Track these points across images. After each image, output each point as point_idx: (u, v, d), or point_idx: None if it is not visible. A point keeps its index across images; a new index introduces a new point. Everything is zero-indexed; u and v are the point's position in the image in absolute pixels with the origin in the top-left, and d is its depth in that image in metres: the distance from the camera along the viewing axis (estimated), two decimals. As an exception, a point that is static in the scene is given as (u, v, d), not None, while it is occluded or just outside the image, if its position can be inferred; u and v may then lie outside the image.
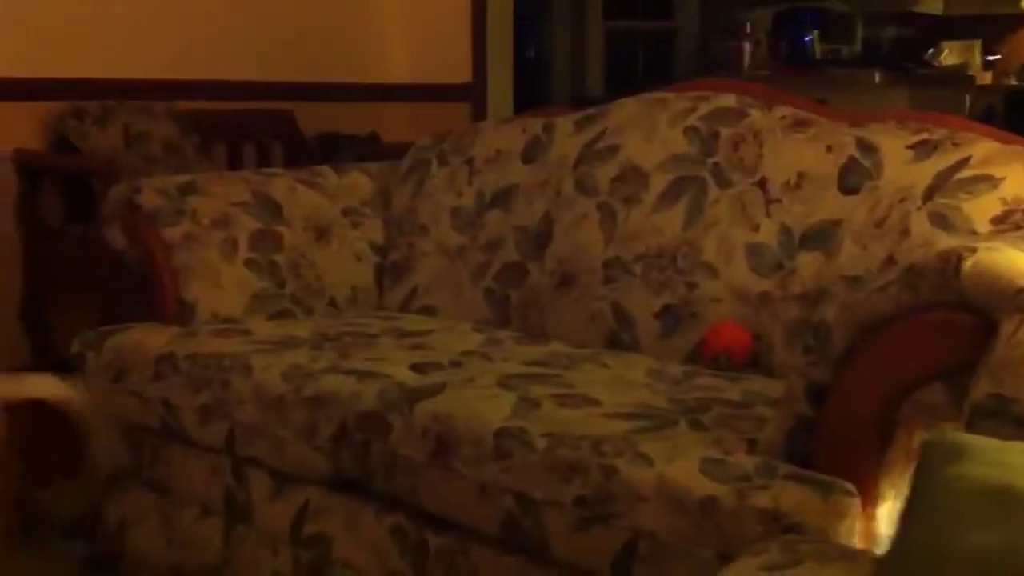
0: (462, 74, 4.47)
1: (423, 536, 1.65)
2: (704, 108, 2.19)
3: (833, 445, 1.39)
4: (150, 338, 2.11)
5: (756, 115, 2.12)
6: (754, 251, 1.98)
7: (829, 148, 1.99)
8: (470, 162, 2.49)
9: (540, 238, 2.27)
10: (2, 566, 2.26)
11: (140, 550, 2.08)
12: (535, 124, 2.46)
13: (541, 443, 1.52)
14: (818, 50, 5.71)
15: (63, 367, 2.26)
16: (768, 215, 1.99)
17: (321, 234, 2.47)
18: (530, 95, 4.79)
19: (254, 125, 3.95)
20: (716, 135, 2.13)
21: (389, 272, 2.51)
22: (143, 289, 2.32)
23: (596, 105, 2.45)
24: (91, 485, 2.19)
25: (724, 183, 2.07)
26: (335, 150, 3.74)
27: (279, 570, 1.84)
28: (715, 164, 2.10)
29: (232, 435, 1.89)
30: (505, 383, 1.74)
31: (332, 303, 2.41)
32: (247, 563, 1.89)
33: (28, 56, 3.52)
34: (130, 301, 2.40)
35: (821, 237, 1.91)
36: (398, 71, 4.53)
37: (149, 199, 2.31)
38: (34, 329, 3.51)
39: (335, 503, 1.77)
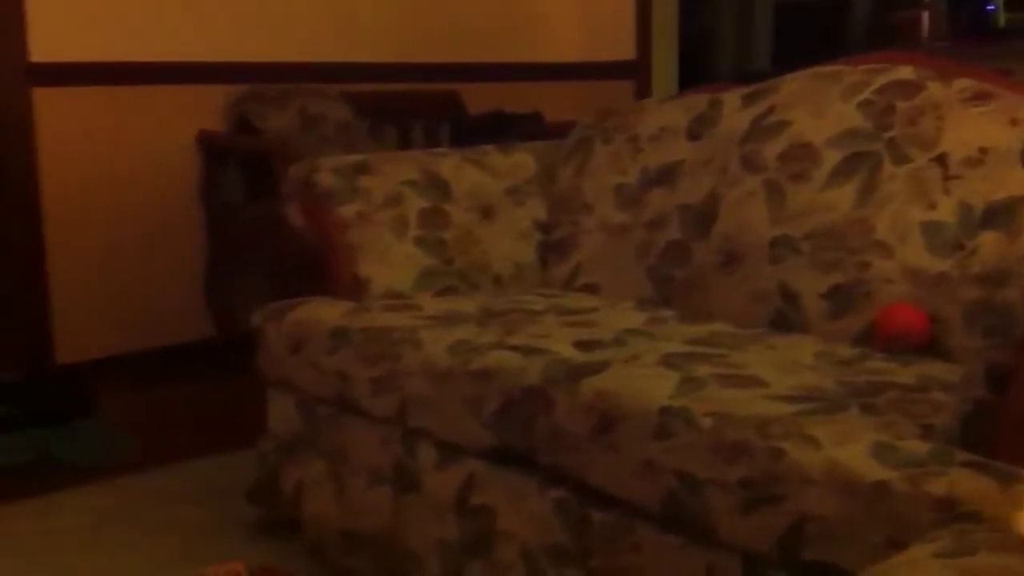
0: (626, 51, 4.44)
1: (586, 511, 1.66)
2: (879, 81, 2.11)
3: (1013, 432, 1.33)
4: (326, 312, 2.19)
5: (934, 88, 2.04)
6: (931, 229, 1.90)
7: (1013, 122, 1.89)
8: (634, 140, 2.48)
9: (705, 216, 2.24)
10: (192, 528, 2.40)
11: (314, 515, 2.17)
12: (701, 100, 2.43)
13: (705, 423, 1.51)
14: (1003, 18, 5.41)
15: (244, 339, 2.37)
16: (947, 192, 1.91)
17: (486, 212, 2.51)
18: (695, 72, 4.72)
19: (422, 106, 4.04)
20: (892, 109, 2.05)
21: (552, 250, 2.53)
22: (319, 265, 2.41)
23: (763, 81, 2.40)
24: (268, 452, 2.29)
25: (900, 159, 1.99)
26: (500, 129, 3.79)
27: (444, 538, 1.89)
28: (890, 139, 2.02)
29: (402, 406, 1.95)
30: (668, 362, 1.74)
31: (496, 280, 2.45)
32: (414, 530, 1.95)
33: (210, 41, 3.69)
34: (307, 276, 2.50)
35: (1004, 215, 1.82)
36: (562, 50, 4.54)
37: (325, 178, 2.40)
38: (217, 303, 3.69)
39: (499, 475, 1.81)
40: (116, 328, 3.51)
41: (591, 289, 2.40)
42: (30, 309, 3.41)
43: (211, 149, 3.63)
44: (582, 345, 1.86)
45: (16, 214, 3.39)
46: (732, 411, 1.52)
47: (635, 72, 4.40)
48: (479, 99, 4.17)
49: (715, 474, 1.47)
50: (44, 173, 3.41)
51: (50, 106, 3.41)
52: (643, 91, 4.33)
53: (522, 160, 2.65)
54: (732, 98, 2.37)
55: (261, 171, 3.35)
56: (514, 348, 1.86)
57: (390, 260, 2.35)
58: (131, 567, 2.21)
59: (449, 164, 2.54)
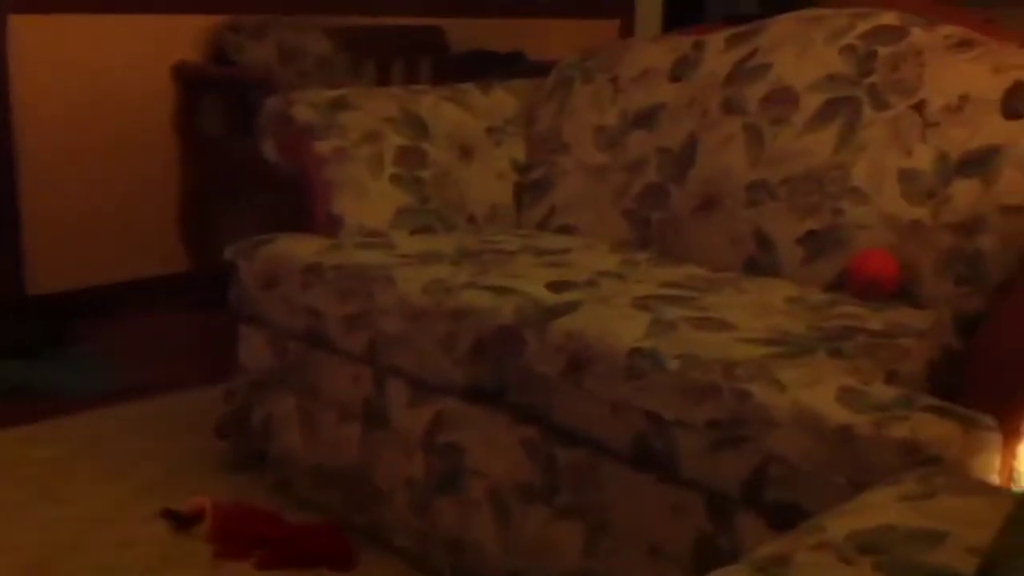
0: (612, -11, 4.39)
1: (554, 449, 1.67)
2: (863, 26, 2.09)
3: (979, 379, 1.34)
4: (300, 248, 2.18)
5: (918, 34, 2.02)
6: (907, 177, 1.90)
7: (996, 70, 1.88)
8: (615, 80, 2.46)
9: (683, 159, 2.23)
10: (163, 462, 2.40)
11: (284, 450, 2.18)
12: (685, 42, 2.41)
13: (674, 364, 1.51)
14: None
15: (220, 273, 2.35)
16: (924, 140, 1.91)
17: (465, 151, 2.48)
18: (683, 13, 4.66)
19: (403, 41, 3.98)
20: (874, 54, 2.04)
21: (529, 190, 2.51)
22: (295, 200, 2.39)
23: (750, 23, 2.38)
24: (239, 387, 2.29)
25: (880, 105, 1.98)
26: (482, 67, 3.74)
27: (413, 475, 1.90)
28: (871, 85, 2.01)
29: (374, 344, 1.95)
30: (640, 304, 1.74)
31: (472, 219, 2.44)
32: (383, 467, 1.96)
33: (189, -29, 3.62)
34: (283, 211, 2.47)
35: (980, 163, 1.81)
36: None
37: (302, 113, 2.37)
38: (191, 236, 3.66)
39: (469, 413, 1.81)
40: (90, 260, 3.47)
41: (567, 230, 2.39)
42: (3, 238, 3.38)
43: (188, 80, 3.57)
44: (555, 286, 1.85)
45: (-12, 142, 3.34)
46: (700, 353, 1.52)
47: (620, 11, 4.34)
48: (462, 35, 4.12)
49: (682, 415, 1.48)
50: (18, 102, 3.35)
51: (26, 33, 3.34)
52: (627, 31, 4.28)
53: (502, 99, 2.62)
54: (716, 40, 2.34)
55: (238, 104, 3.30)
56: (488, 288, 1.85)
57: (366, 197, 2.33)
58: (102, 498, 2.22)
59: (428, 102, 2.51)
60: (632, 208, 2.29)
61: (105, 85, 3.49)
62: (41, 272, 3.40)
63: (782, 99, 2.11)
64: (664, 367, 1.52)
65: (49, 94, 3.40)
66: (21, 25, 3.33)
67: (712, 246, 2.11)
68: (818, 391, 1.39)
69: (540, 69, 2.85)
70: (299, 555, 1.94)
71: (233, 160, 3.35)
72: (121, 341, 3.23)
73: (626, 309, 1.71)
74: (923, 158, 1.89)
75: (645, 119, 2.35)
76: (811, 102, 2.07)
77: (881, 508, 1.10)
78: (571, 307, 1.71)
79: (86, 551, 2.01)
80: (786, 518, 1.35)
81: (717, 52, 2.31)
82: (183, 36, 3.58)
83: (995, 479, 1.28)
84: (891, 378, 1.44)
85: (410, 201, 2.36)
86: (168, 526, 2.06)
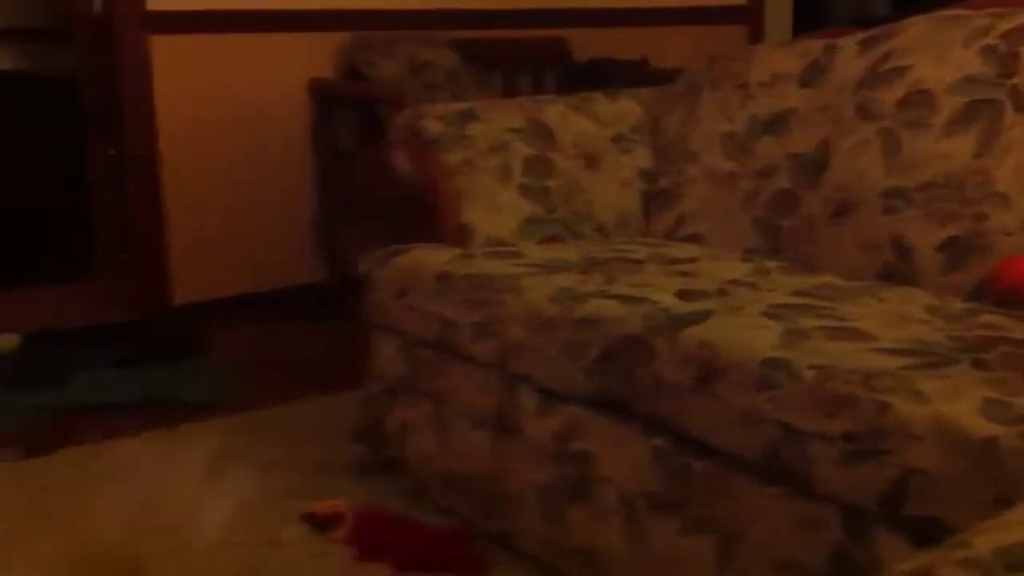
0: (738, -4, 4.35)
1: (685, 460, 1.66)
2: (1004, 25, 2.02)
3: None
4: (431, 258, 2.22)
5: (1064, 32, 1.94)
6: (1054, 181, 1.83)
7: None
8: (744, 86, 2.43)
9: (816, 165, 2.19)
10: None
11: (417, 455, 2.22)
12: (815, 46, 2.37)
13: (808, 375, 1.49)
14: None
15: (353, 283, 2.42)
16: (1073, 141, 1.83)
17: (591, 160, 2.49)
18: (812, 17, 4.58)
19: (528, 52, 4.02)
20: (1016, 55, 1.96)
21: (656, 198, 2.50)
22: (425, 211, 2.44)
23: (882, 25, 2.32)
24: (372, 394, 2.34)
25: (1023, 107, 1.91)
26: (606, 76, 3.75)
27: (543, 482, 1.91)
28: (1013, 87, 1.94)
29: (503, 352, 1.97)
30: (772, 313, 1.71)
31: (600, 228, 2.44)
32: (513, 473, 1.97)
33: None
34: (414, 223, 2.53)
35: None
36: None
37: (431, 126, 2.41)
38: (327, 247, 3.76)
39: (599, 422, 1.81)
40: (229, 270, 3.60)
41: (695, 239, 2.37)
42: (148, 250, 3.54)
43: (322, 96, 3.68)
44: (684, 295, 1.84)
45: (135, 159, 3.50)
46: (836, 363, 1.49)
47: (747, 17, 4.29)
48: (586, 45, 4.13)
49: (818, 426, 1.45)
50: (161, 119, 3.51)
51: (167, 53, 3.50)
52: (755, 37, 4.23)
53: (628, 107, 2.62)
54: (848, 43, 2.30)
55: (370, 118, 3.38)
56: (616, 297, 1.86)
57: (494, 207, 2.36)
58: (245, 502, 2.29)
59: (554, 111, 2.53)
60: (762, 216, 2.26)
61: (242, 102, 3.62)
62: (183, 282, 3.55)
63: (919, 102, 2.05)
64: (799, 377, 1.49)
65: (190, 110, 3.55)
66: (162, 45, 3.49)
67: (846, 254, 2.07)
68: (960, 403, 1.35)
69: (665, 77, 2.84)
70: (433, 560, 1.98)
71: (366, 173, 3.43)
72: (258, 350, 3.35)
73: (758, 318, 1.69)
74: (1071, 161, 1.82)
75: (775, 125, 2.32)
76: (950, 105, 2.00)
77: (1030, 525, 1.06)
78: (702, 316, 1.70)
79: (228, 550, 2.08)
80: (927, 533, 1.31)
81: (849, 56, 2.26)
82: (317, 53, 3.69)
83: None
84: (1039, 390, 1.39)
85: (537, 211, 2.38)
86: (307, 528, 2.12)
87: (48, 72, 5.26)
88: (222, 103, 3.60)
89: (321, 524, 2.11)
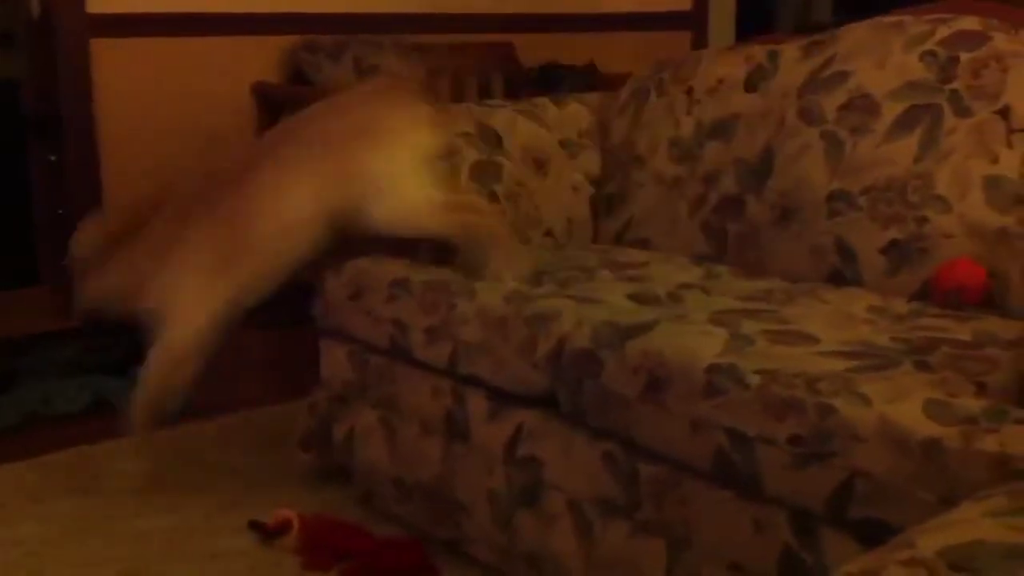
0: (682, 1, 4.37)
1: (635, 465, 1.66)
2: (943, 32, 2.06)
3: (1073, 392, 1.30)
4: (384, 264, 2.20)
5: (1000, 39, 1.98)
6: (993, 184, 1.86)
7: (1083, 73, 1.84)
8: (690, 92, 2.45)
9: (760, 170, 2.21)
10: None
11: (366, 463, 2.20)
12: (759, 52, 2.39)
13: (754, 380, 1.50)
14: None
15: (304, 288, 2.39)
16: (1010, 146, 1.87)
17: (539, 165, 2.50)
18: (754, 23, 4.62)
19: (475, 57, 4.01)
20: (955, 60, 2.00)
21: (604, 203, 2.51)
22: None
23: (824, 32, 2.35)
24: (321, 400, 2.32)
25: (962, 112, 1.95)
26: (554, 81, 3.76)
27: (494, 488, 1.91)
28: (953, 91, 1.97)
29: (455, 354, 1.96)
30: (718, 319, 1.73)
31: (548, 233, 2.45)
32: (464, 480, 1.97)
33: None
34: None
35: (1070, 170, 1.77)
36: (617, 0, 4.48)
37: (377, 130, 2.39)
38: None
39: (548, 427, 1.82)
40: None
41: (643, 243, 2.39)
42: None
43: (267, 100, 3.65)
44: (637, 299, 1.86)
45: (76, 163, 3.44)
46: (781, 368, 1.51)
47: (692, 23, 4.32)
48: (533, 50, 4.14)
49: (764, 431, 1.47)
50: (103, 124, 3.46)
51: (108, 57, 3.45)
52: (700, 42, 4.26)
53: (576, 112, 2.63)
54: (791, 49, 2.32)
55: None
56: (569, 297, 1.87)
57: (443, 212, 2.34)
58: (188, 510, 2.27)
59: (502, 116, 2.53)
60: (709, 220, 2.28)
61: (186, 106, 3.58)
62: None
63: (861, 107, 2.08)
64: (744, 383, 1.50)
65: (131, 115, 3.50)
66: (103, 49, 3.44)
67: (792, 258, 2.09)
68: (904, 404, 1.37)
69: (613, 82, 2.85)
70: (383, 568, 1.96)
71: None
72: (209, 357, 3.30)
73: (704, 325, 1.70)
74: (1009, 165, 1.85)
75: (720, 130, 2.34)
76: (891, 110, 2.03)
77: (972, 524, 1.07)
78: (648, 326, 1.71)
79: (176, 562, 2.05)
80: (873, 534, 1.33)
81: (792, 61, 2.29)
82: (262, 57, 3.66)
83: (1091, 495, 1.25)
84: (980, 390, 1.41)
85: (486, 216, 2.37)
86: (255, 538, 2.10)
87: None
88: (165, 107, 3.55)
89: (269, 533, 2.09)
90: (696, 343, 1.62)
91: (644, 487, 1.65)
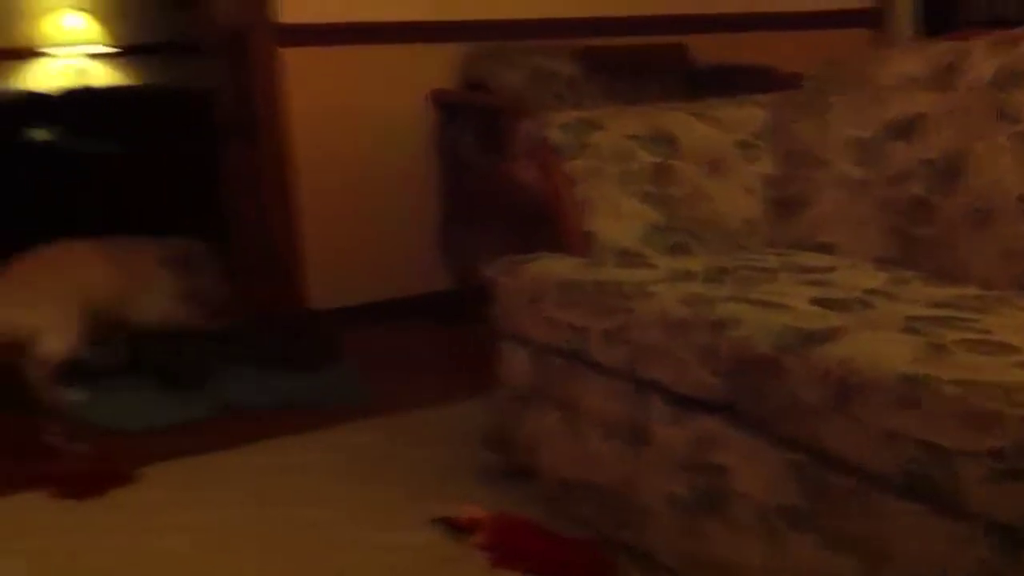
0: (866, -2, 4.26)
1: (823, 474, 1.65)
2: None
3: None
4: (558, 266, 2.24)
5: None
6: None
7: None
8: (873, 90, 2.39)
9: (951, 171, 2.15)
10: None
11: (549, 464, 2.25)
12: (945, 48, 2.32)
13: (950, 390, 1.47)
14: None
15: (478, 290, 2.46)
16: None
17: (715, 167, 2.49)
18: (942, 19, 4.45)
19: (651, 60, 4.01)
20: None
21: (783, 206, 2.48)
22: (549, 220, 2.47)
23: (1016, 26, 2.26)
24: (502, 401, 2.38)
25: None
26: (730, 82, 3.72)
27: (677, 493, 1.92)
28: None
29: (633, 358, 1.98)
30: (911, 326, 1.69)
31: (725, 237, 2.43)
32: (646, 484, 1.98)
33: (443, 1, 3.79)
34: (537, 231, 2.56)
35: None
36: (794, -1, 4.40)
37: (554, 134, 2.44)
38: (450, 255, 3.82)
39: (731, 433, 1.81)
40: (358, 278, 3.69)
41: (825, 248, 2.35)
42: (283, 258, 3.65)
43: (444, 107, 3.74)
44: (820, 303, 1.83)
45: (269, 169, 3.62)
46: (978, 378, 1.47)
47: (874, 20, 4.20)
48: (708, 51, 4.11)
49: (962, 444, 1.43)
50: (293, 130, 3.62)
51: (297, 65, 3.61)
52: (883, 40, 4.13)
53: (753, 113, 2.61)
54: (979, 45, 2.24)
55: (492, 128, 3.43)
56: (751, 302, 1.86)
57: (618, 215, 2.37)
58: (376, 504, 2.36)
59: (677, 118, 2.53)
60: (895, 224, 2.23)
61: (367, 113, 3.71)
62: (317, 290, 3.65)
63: (1060, 106, 1.99)
64: (940, 394, 1.47)
65: (319, 121, 3.65)
66: (292, 58, 3.60)
67: (986, 263, 2.02)
68: (1115, 421, 1.32)
69: (790, 82, 2.81)
70: (568, 569, 2.00)
71: (487, 182, 3.48)
72: (387, 356, 3.43)
73: (896, 333, 1.67)
74: None
75: (907, 130, 2.28)
76: (1095, 107, 1.94)
77: None
78: (835, 332, 1.69)
79: (357, 552, 2.14)
80: (1081, 554, 1.28)
81: (980, 58, 2.21)
82: (439, 65, 3.75)
83: None
84: None
85: (661, 218, 2.39)
86: (442, 532, 2.17)
87: (187, 85, 5.50)
88: (348, 114, 3.69)
89: (458, 529, 2.15)
90: (888, 351, 1.59)
91: (832, 498, 1.63)
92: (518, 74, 3.63)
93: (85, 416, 2.93)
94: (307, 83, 3.62)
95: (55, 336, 2.97)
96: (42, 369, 2.98)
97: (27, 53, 6.10)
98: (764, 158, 2.55)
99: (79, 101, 5.77)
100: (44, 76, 6.15)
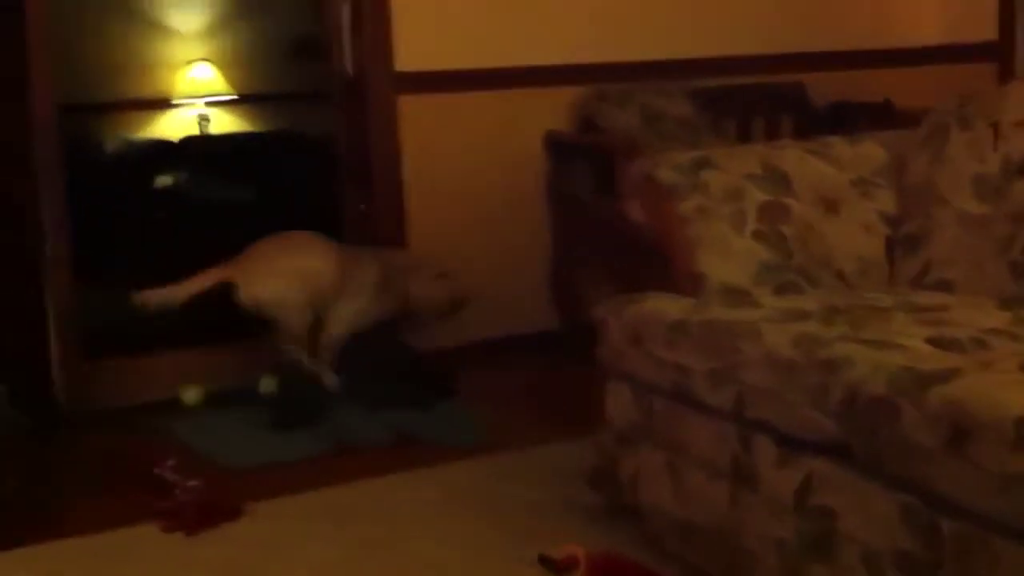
0: (987, 31, 4.13)
1: (936, 519, 1.58)
2: None
3: None
4: (666, 306, 2.23)
5: None
6: None
7: None
8: (996, 126, 2.31)
9: (1079, 208, 2.06)
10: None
11: (652, 504, 2.21)
12: (1075, 81, 2.23)
13: (1073, 433, 1.39)
14: None
15: (588, 330, 2.45)
16: None
17: (830, 205, 2.44)
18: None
19: (763, 98, 3.97)
20: None
21: (901, 244, 2.41)
22: (660, 259, 2.45)
23: None
24: (606, 440, 2.36)
25: None
26: (847, 120, 3.65)
27: (783, 538, 1.86)
28: None
29: (740, 398, 1.95)
30: (1030, 367, 1.62)
31: (839, 275, 2.38)
32: (752, 527, 1.94)
33: (555, 45, 3.84)
34: (648, 270, 2.54)
35: None
36: (913, 34, 4.30)
37: (665, 174, 2.43)
38: (561, 295, 3.83)
39: (841, 476, 1.76)
40: (470, 317, 3.72)
41: (944, 286, 2.27)
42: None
43: (557, 148, 3.76)
44: (936, 343, 1.77)
45: (384, 211, 3.70)
46: (1107, 422, 1.39)
47: (997, 54, 4.07)
48: (824, 89, 4.04)
49: (1084, 489, 1.35)
50: (407, 173, 3.70)
51: (413, 112, 3.69)
52: (1007, 74, 4.00)
53: (870, 150, 2.55)
54: (1112, 77, 2.15)
55: (605, 168, 3.43)
56: (863, 342, 1.81)
57: (729, 255, 2.34)
58: (475, 540, 2.36)
59: (791, 156, 2.49)
60: (1018, 261, 2.14)
61: (482, 157, 3.77)
62: (430, 329, 3.68)
63: None
64: (1062, 436, 1.40)
65: (432, 166, 3.73)
66: (409, 104, 3.69)
67: (1116, 303, 1.92)
68: None
69: (910, 119, 2.74)
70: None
71: (600, 222, 3.48)
72: (498, 394, 3.44)
73: (1014, 374, 1.60)
74: None
75: (1029, 166, 2.19)
76: None
77: None
78: (950, 374, 1.62)
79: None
80: None
81: (1115, 90, 2.12)
82: (552, 107, 3.79)
83: None
84: None
85: (773, 257, 2.35)
86: (544, 571, 2.16)
87: (309, 131, 5.71)
88: (463, 157, 3.75)
89: (557, 568, 2.14)
90: (1004, 394, 1.53)
91: (947, 544, 1.56)
92: (630, 115, 3.64)
93: (197, 447, 3.00)
94: (422, 128, 3.69)
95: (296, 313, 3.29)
96: (328, 347, 3.35)
97: (159, 104, 6.43)
98: (883, 196, 2.48)
99: (211, 148, 6.08)
100: (174, 125, 6.46)
